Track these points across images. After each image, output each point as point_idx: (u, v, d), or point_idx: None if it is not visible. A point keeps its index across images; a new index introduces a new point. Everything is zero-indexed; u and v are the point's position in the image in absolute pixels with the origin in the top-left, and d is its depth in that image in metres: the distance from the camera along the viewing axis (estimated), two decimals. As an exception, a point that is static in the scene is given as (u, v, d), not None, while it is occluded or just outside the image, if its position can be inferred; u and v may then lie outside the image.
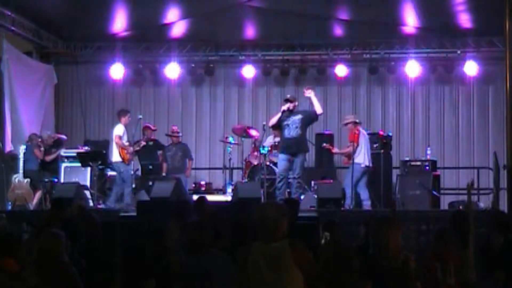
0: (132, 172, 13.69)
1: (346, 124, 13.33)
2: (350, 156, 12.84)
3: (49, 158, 14.20)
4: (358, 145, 12.81)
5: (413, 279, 5.10)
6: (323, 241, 7.16)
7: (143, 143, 14.01)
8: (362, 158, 12.80)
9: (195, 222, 6.47)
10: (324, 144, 14.13)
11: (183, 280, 5.84)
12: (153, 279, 5.90)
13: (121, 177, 13.36)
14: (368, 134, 13.69)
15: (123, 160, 13.29)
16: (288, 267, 4.86)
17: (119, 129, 13.41)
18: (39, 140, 14.16)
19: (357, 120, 13.40)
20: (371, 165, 12.95)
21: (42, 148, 14.05)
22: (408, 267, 5.08)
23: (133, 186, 13.60)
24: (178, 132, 14.81)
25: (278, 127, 12.73)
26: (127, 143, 13.43)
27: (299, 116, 12.39)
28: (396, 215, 6.29)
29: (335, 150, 13.91)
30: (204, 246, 5.85)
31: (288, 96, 13.04)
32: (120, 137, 13.29)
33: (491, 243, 7.64)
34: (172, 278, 6.15)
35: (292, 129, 12.35)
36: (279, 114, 12.55)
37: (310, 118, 12.55)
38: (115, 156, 13.35)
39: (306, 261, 4.95)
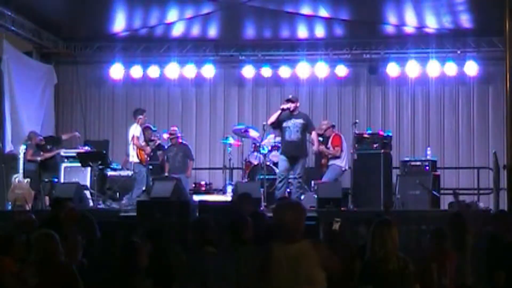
0: (144, 174, 13.58)
1: (325, 130, 13.47)
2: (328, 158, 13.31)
3: (46, 155, 14.10)
4: (342, 150, 13.26)
5: (412, 282, 5.08)
6: (337, 226, 7.12)
7: (158, 141, 13.94)
8: (343, 162, 13.28)
9: (195, 222, 6.46)
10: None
11: (183, 280, 5.83)
12: (151, 279, 5.89)
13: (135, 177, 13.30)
14: (368, 134, 13.70)
15: (140, 161, 13.25)
16: (311, 267, 4.83)
17: (135, 129, 13.34)
18: (38, 139, 14.08)
19: (333, 124, 13.83)
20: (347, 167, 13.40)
21: (40, 151, 13.96)
22: (407, 269, 5.06)
23: (144, 188, 13.43)
24: (173, 134, 14.62)
25: (278, 126, 12.75)
26: (143, 143, 13.39)
27: (300, 121, 12.50)
28: (391, 216, 6.26)
29: (320, 147, 13.65)
30: (204, 246, 5.85)
31: (290, 96, 13.08)
32: (138, 138, 13.24)
33: (493, 243, 7.63)
34: (171, 278, 6.15)
35: (293, 132, 12.44)
36: (279, 112, 12.60)
37: (307, 128, 12.69)
38: (133, 157, 13.30)
39: (330, 260, 4.94)
